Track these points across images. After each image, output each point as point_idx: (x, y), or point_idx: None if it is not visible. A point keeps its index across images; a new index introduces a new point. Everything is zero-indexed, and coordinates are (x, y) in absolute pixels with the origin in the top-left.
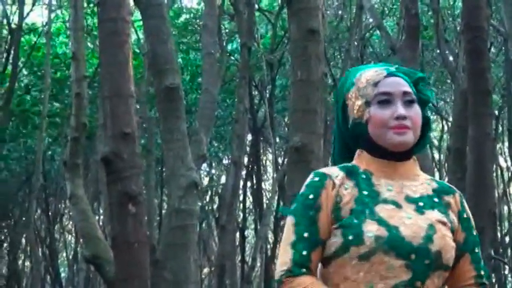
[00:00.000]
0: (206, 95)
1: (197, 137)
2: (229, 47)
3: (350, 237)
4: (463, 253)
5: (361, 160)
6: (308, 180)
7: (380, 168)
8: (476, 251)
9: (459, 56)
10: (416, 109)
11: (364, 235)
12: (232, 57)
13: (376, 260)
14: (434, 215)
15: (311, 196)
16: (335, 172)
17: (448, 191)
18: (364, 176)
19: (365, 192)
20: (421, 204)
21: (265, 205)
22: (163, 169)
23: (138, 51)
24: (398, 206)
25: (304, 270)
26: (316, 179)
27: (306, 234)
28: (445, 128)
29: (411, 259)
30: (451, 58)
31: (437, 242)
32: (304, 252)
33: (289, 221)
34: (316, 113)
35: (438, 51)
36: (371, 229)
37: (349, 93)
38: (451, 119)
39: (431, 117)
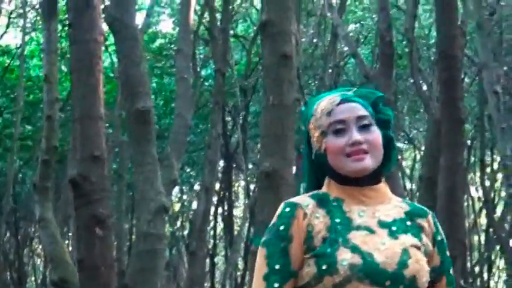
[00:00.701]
0: (179, 119)
1: (169, 162)
2: (203, 73)
3: (324, 267)
4: (440, 276)
5: (331, 188)
6: (279, 210)
7: (350, 195)
8: (451, 272)
9: (433, 85)
10: (374, 132)
11: (338, 264)
12: (206, 83)
13: None
14: (408, 239)
15: (282, 227)
16: (306, 201)
17: (420, 213)
18: (335, 204)
19: (337, 220)
20: (394, 228)
21: (235, 232)
22: (135, 194)
23: (112, 75)
24: (371, 231)
25: None
26: (287, 209)
27: (277, 266)
28: (417, 157)
29: (386, 286)
30: (424, 87)
31: (411, 267)
32: (276, 285)
33: (261, 252)
34: (287, 138)
35: (412, 80)
36: (345, 257)
37: (310, 124)
38: (423, 148)
39: (404, 145)
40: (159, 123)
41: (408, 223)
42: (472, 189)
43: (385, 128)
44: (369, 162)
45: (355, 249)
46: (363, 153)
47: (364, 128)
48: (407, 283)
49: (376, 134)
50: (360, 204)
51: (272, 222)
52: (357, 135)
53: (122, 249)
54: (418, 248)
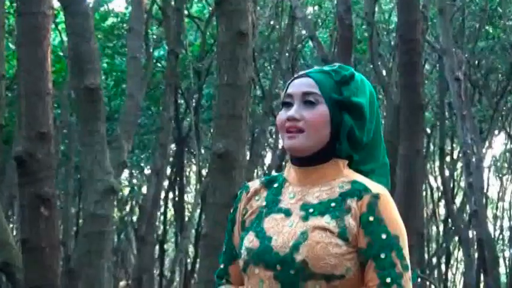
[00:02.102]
0: (130, 100)
1: (118, 143)
2: (156, 53)
3: (238, 251)
4: (365, 259)
5: (287, 167)
6: None
7: (292, 175)
8: (383, 256)
9: (392, 70)
10: (316, 110)
11: (242, 248)
12: (159, 64)
13: (250, 272)
14: (316, 221)
15: (232, 210)
16: (255, 183)
17: (354, 193)
18: (276, 185)
19: (263, 203)
20: (311, 210)
21: (186, 218)
22: (82, 174)
23: (61, 54)
24: (288, 214)
25: (223, 281)
26: (239, 192)
27: (225, 248)
28: None
29: (277, 270)
30: (384, 73)
31: (303, 249)
32: (222, 266)
33: None
34: (241, 118)
35: (371, 65)
36: (246, 241)
37: None
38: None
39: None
40: (109, 104)
41: (332, 204)
42: (431, 178)
43: (347, 111)
44: (300, 141)
45: (259, 233)
46: (296, 132)
47: (307, 104)
48: (297, 267)
49: (317, 113)
50: (298, 185)
51: None
52: (292, 111)
53: (69, 233)
54: (326, 229)
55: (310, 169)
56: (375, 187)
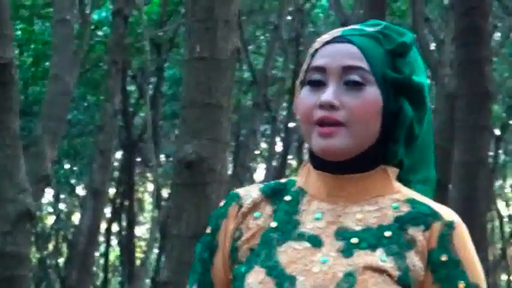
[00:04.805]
0: (56, 84)
1: (38, 149)
2: (95, 16)
3: None
4: None
5: (304, 172)
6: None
7: (316, 184)
8: None
9: (445, 42)
10: (366, 94)
11: None
12: (100, 32)
13: None
14: (366, 258)
15: (208, 230)
16: (251, 192)
17: (419, 219)
18: (289, 198)
19: (273, 224)
20: (354, 241)
21: (138, 261)
22: None
23: None
24: (316, 243)
25: None
26: (222, 203)
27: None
28: None
29: None
30: (433, 46)
31: None
32: None
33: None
34: (221, 109)
35: (414, 34)
36: (251, 281)
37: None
38: None
39: None
40: (24, 91)
41: (387, 234)
42: (501, 203)
43: (399, 92)
44: (341, 141)
45: (273, 270)
46: (335, 125)
47: (351, 86)
48: None
49: (367, 99)
50: (327, 200)
51: None
52: (328, 94)
53: None
54: (383, 272)
55: (348, 178)
56: (446, 212)
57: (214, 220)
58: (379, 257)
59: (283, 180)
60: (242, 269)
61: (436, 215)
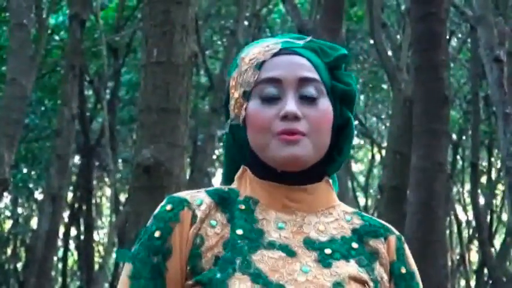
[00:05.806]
0: (13, 88)
1: None
2: (52, 21)
3: None
4: None
5: (245, 182)
6: (158, 208)
7: (270, 195)
8: None
9: (402, 48)
10: (322, 105)
11: None
12: (57, 36)
13: None
14: (347, 268)
15: (157, 234)
16: (199, 198)
17: (377, 231)
18: (243, 207)
19: (239, 232)
20: (328, 251)
21: (97, 265)
22: None
23: None
24: (290, 253)
25: None
26: (168, 207)
27: None
28: (377, 157)
29: None
30: (389, 52)
31: None
32: None
33: (126, 271)
34: (178, 114)
35: (372, 40)
36: None
37: (231, 79)
38: (385, 143)
39: (357, 140)
40: None
41: (354, 245)
42: (459, 208)
43: (344, 104)
44: (304, 150)
45: (258, 277)
46: (298, 134)
47: (307, 97)
48: None
49: (325, 109)
50: (283, 210)
51: (146, 226)
52: (292, 105)
53: None
54: (363, 282)
55: (302, 189)
56: (389, 225)
57: (162, 224)
58: (356, 268)
59: (224, 188)
60: (217, 276)
61: (387, 228)
